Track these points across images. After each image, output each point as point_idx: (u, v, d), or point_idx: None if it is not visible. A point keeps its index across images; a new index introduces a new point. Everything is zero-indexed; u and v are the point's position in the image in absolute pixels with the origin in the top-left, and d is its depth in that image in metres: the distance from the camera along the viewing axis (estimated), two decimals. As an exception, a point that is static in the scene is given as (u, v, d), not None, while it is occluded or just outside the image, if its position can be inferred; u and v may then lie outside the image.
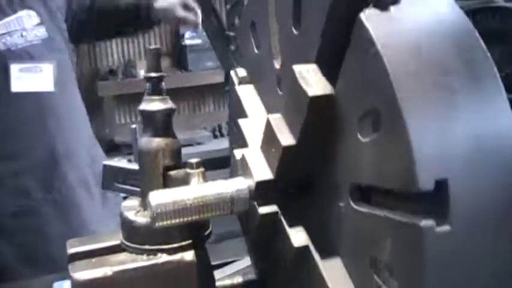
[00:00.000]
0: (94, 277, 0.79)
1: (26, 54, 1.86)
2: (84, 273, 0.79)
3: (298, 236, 0.68)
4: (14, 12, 1.87)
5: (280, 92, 0.76)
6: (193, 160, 0.79)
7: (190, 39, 4.37)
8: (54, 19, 1.99)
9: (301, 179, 0.70)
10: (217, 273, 1.11)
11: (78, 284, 0.78)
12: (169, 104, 0.83)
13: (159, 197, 0.69)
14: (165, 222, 0.69)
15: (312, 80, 0.61)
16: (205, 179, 0.78)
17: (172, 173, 0.82)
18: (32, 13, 1.90)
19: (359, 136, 0.57)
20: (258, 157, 0.72)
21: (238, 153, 0.76)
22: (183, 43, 4.39)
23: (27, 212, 1.86)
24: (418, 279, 0.50)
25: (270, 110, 0.80)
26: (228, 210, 0.71)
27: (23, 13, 1.88)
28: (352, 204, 0.60)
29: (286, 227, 0.69)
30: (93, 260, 0.83)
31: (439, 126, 0.51)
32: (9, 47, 1.83)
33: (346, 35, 0.57)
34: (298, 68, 0.63)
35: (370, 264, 0.57)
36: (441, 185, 0.49)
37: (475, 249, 0.51)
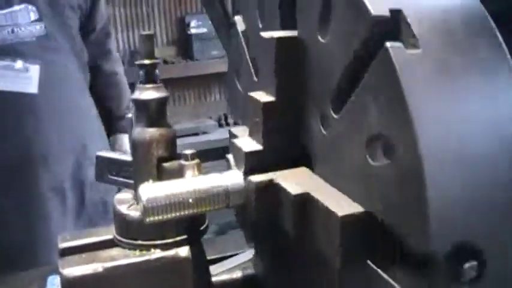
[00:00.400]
0: (84, 273, 0.75)
1: (13, 52, 1.75)
2: (73, 269, 0.76)
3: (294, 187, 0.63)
4: (10, 6, 1.75)
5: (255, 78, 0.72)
6: (188, 151, 0.75)
7: (196, 28, 4.33)
8: (59, 15, 1.84)
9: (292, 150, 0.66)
10: (216, 268, 1.08)
11: (68, 280, 0.75)
12: (164, 92, 0.79)
13: (150, 191, 0.65)
14: (156, 217, 0.65)
15: None
16: (201, 171, 0.74)
17: (166, 164, 0.79)
18: (31, 8, 1.78)
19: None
20: (247, 138, 0.70)
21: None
22: (188, 32, 4.36)
23: None
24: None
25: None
26: (223, 204, 0.67)
27: (19, 7, 1.76)
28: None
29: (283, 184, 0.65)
30: (84, 255, 0.79)
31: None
32: None
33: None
34: None
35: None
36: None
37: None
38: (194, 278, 0.77)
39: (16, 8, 1.76)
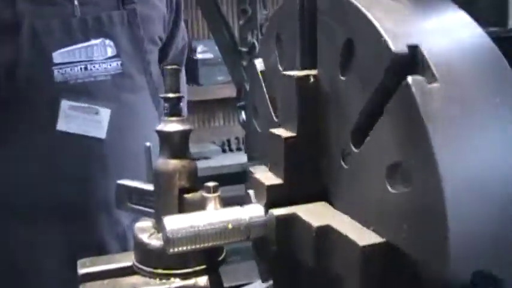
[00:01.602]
0: (106, 301, 0.77)
1: (85, 91, 1.57)
2: (96, 296, 0.78)
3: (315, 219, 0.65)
4: (87, 39, 1.58)
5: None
6: (211, 184, 0.77)
7: (202, 53, 4.35)
8: (138, 50, 1.66)
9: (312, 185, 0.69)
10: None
11: (90, 308, 0.77)
12: (187, 125, 0.82)
13: (174, 222, 0.67)
14: (179, 248, 0.67)
15: None
16: (222, 204, 0.77)
17: (188, 196, 0.81)
18: (109, 43, 1.61)
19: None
20: (268, 173, 0.73)
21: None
22: (194, 57, 4.37)
23: None
24: None
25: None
26: (244, 237, 0.69)
27: (95, 42, 1.59)
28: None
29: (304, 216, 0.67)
30: (105, 281, 0.81)
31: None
32: (66, 79, 1.54)
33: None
34: None
35: None
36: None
37: None
38: (212, 307, 0.79)
39: (93, 42, 1.59)
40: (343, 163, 0.65)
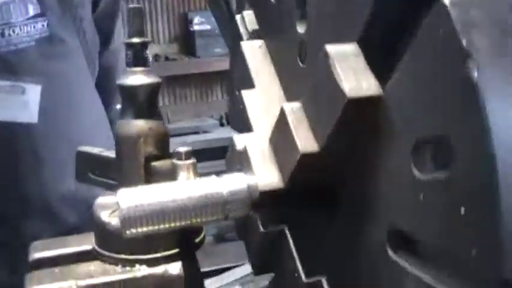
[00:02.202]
0: (54, 293, 0.63)
1: (4, 65, 1.26)
2: (42, 287, 0.63)
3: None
4: None
5: (301, 64, 0.58)
6: (182, 149, 0.62)
7: (199, 24, 4.25)
8: (68, 5, 1.34)
9: (320, 189, 0.53)
10: (213, 282, 0.96)
11: (34, 301, 0.62)
12: (155, 78, 0.67)
13: (131, 197, 0.52)
14: (137, 230, 0.52)
15: (353, 71, 0.44)
16: (196, 172, 0.62)
17: (156, 164, 0.66)
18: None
19: (414, 170, 0.40)
20: (264, 153, 0.55)
21: (239, 140, 0.59)
22: (191, 28, 4.27)
23: None
24: None
25: (285, 81, 0.63)
26: (221, 216, 0.54)
27: None
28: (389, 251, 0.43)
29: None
30: (57, 269, 0.67)
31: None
32: None
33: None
34: (333, 49, 0.45)
35: None
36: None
37: None
38: (187, 300, 0.65)
39: None
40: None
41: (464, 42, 0.34)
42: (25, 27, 1.26)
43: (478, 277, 0.35)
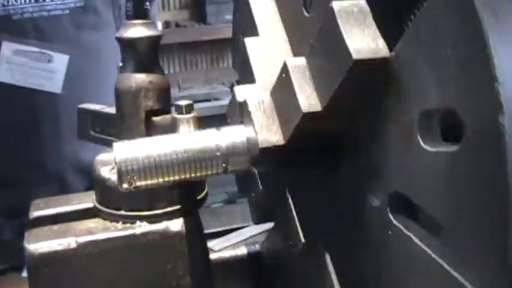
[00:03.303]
0: (53, 250, 0.62)
1: (34, 30, 1.22)
2: (41, 244, 0.62)
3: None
4: None
5: (306, 14, 0.56)
6: (183, 102, 0.60)
7: (210, -10, 4.18)
8: None
9: (321, 149, 0.51)
10: (219, 242, 0.95)
11: (33, 258, 0.61)
12: (155, 31, 0.65)
13: (127, 149, 0.51)
14: (134, 184, 0.50)
15: (360, 31, 0.42)
16: (198, 126, 0.60)
17: (156, 118, 0.64)
18: None
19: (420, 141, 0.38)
20: (265, 107, 0.52)
21: (240, 92, 0.57)
22: (201, -6, 4.21)
23: None
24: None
25: (290, 29, 0.60)
26: (220, 169, 0.52)
27: None
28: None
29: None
30: (56, 227, 0.65)
31: None
32: (9, 12, 1.19)
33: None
34: (339, 6, 0.43)
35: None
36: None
37: None
38: (188, 257, 0.63)
39: None
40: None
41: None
42: None
43: (479, 256, 0.33)
